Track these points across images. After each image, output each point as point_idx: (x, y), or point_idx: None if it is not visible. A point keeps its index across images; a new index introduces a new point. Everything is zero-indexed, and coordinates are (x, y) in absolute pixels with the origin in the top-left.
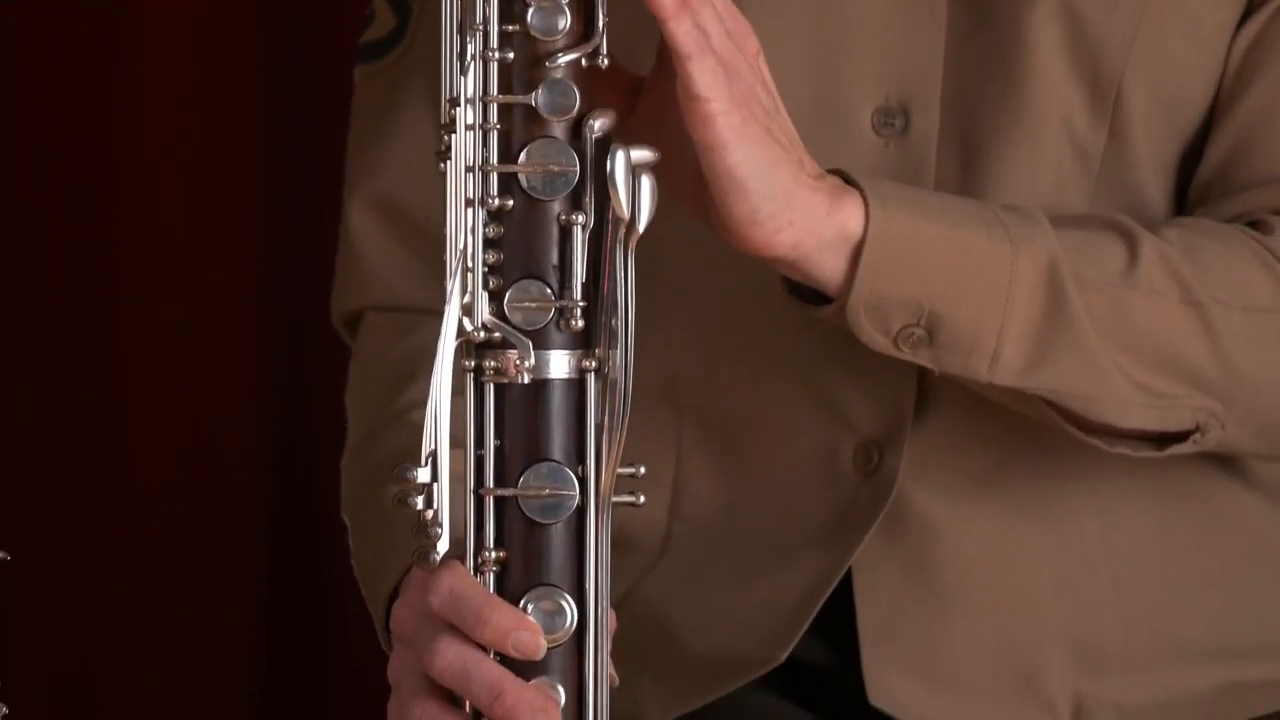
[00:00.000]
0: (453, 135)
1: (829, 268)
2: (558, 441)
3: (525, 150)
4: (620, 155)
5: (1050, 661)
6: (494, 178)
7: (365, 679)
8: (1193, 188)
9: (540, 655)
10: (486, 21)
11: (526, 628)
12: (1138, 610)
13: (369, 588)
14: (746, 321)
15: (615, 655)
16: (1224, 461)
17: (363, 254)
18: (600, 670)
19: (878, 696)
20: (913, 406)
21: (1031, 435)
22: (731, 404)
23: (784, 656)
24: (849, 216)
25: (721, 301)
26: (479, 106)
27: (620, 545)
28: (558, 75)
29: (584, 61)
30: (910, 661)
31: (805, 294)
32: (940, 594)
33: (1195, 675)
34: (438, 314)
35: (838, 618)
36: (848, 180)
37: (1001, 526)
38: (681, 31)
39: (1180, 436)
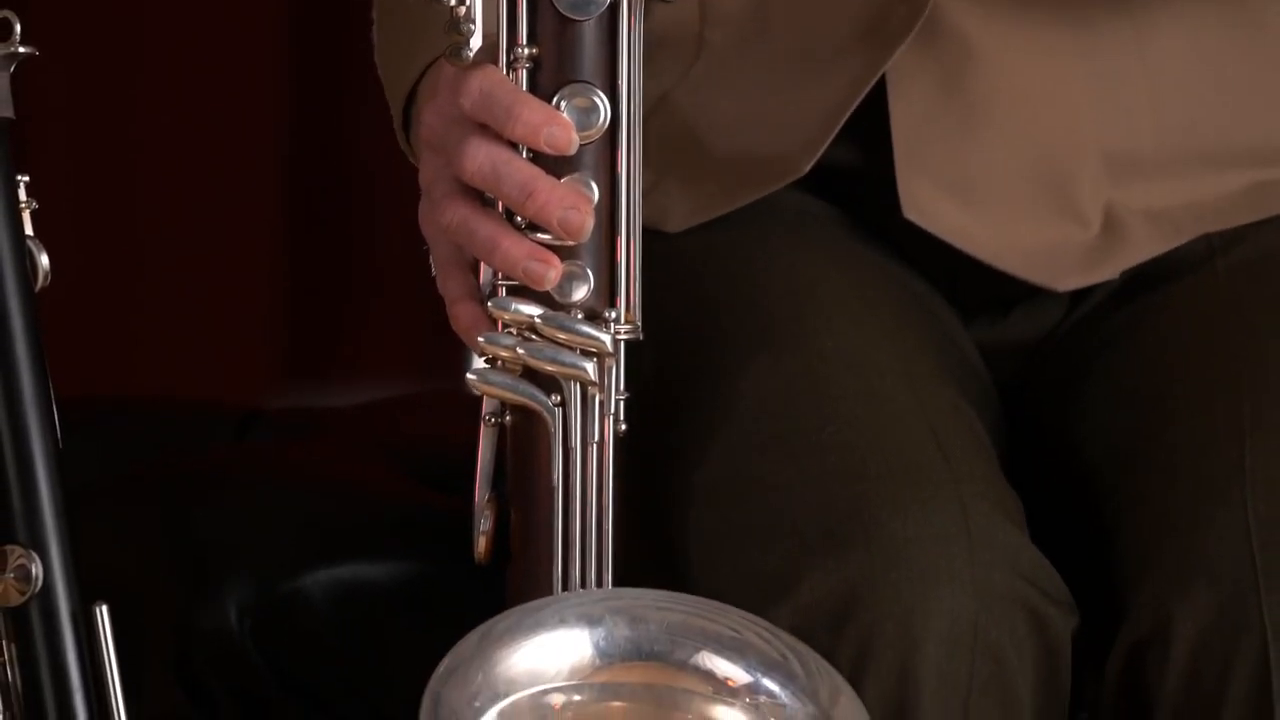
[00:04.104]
0: None
1: None
2: None
3: None
4: None
5: (1083, 172)
6: None
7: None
8: None
9: (572, 150)
10: None
11: (558, 122)
12: (1172, 116)
13: (391, 85)
14: None
15: (644, 159)
16: None
17: None
18: (633, 167)
19: (910, 209)
20: None
21: None
22: None
23: (810, 165)
24: None
25: None
26: None
27: (653, 50)
28: None
29: None
30: (943, 174)
31: None
32: (974, 108)
33: (1225, 178)
34: None
35: (873, 131)
36: None
37: (1037, 40)
38: None
39: None
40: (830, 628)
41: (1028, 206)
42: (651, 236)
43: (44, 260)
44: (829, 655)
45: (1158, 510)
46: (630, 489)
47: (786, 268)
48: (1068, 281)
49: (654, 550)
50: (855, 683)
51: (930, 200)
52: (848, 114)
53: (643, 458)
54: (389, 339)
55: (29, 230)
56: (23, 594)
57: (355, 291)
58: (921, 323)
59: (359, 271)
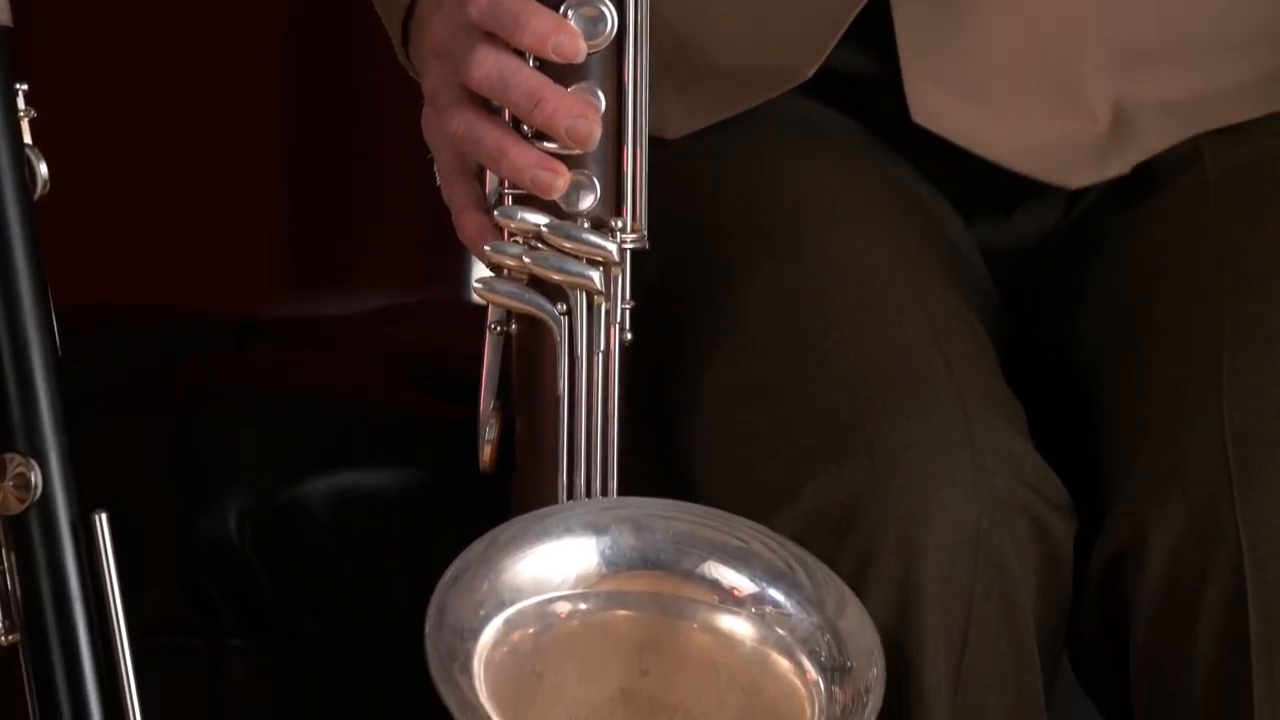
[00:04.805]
0: None
1: None
2: None
3: None
4: None
5: (1089, 66)
6: None
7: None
8: None
9: (580, 58)
10: None
11: (566, 31)
12: (1177, 5)
13: (383, 1)
14: None
15: None
16: None
17: None
18: (640, 76)
19: (919, 112)
20: None
21: None
22: None
23: (812, 71)
24: None
25: None
26: None
27: None
28: None
29: None
30: (949, 76)
31: None
32: (976, 5)
33: (1236, 66)
34: None
35: (878, 36)
36: None
37: None
38: None
39: None
40: (833, 534)
41: (1035, 103)
42: (653, 144)
43: (43, 169)
44: (831, 562)
45: (1136, 418)
46: (633, 397)
47: (789, 174)
48: (1079, 177)
49: (657, 458)
50: (858, 589)
51: (938, 103)
52: (850, 19)
53: (645, 365)
54: (390, 248)
55: (28, 139)
56: (22, 502)
57: (356, 200)
58: (925, 228)
59: (360, 180)
